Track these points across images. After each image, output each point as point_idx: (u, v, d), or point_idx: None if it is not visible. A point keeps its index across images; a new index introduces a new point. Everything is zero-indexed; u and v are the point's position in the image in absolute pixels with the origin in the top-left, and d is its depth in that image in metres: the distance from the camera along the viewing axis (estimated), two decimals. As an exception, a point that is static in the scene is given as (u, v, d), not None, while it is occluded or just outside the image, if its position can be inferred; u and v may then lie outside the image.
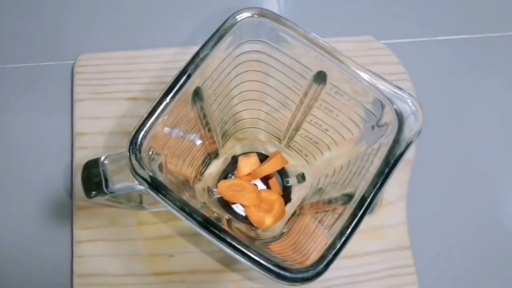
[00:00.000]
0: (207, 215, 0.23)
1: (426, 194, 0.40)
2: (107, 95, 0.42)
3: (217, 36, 0.27)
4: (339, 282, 0.37)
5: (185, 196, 0.29)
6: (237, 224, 0.35)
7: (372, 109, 0.27)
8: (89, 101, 0.41)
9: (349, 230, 0.23)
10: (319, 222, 0.30)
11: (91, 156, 0.28)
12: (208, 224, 0.23)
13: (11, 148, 0.41)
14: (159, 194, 0.24)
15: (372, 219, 0.38)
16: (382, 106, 0.27)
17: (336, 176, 0.32)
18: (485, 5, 0.48)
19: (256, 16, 0.27)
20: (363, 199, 0.24)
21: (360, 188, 0.25)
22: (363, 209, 0.24)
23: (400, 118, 0.26)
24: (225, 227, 0.24)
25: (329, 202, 0.30)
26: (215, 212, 0.34)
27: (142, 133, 0.25)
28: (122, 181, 0.27)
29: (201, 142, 0.33)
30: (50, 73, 0.43)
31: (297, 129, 0.34)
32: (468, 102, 0.44)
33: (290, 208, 0.36)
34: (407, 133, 0.25)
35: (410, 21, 0.47)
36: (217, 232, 0.23)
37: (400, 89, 0.26)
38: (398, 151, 0.25)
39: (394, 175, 0.25)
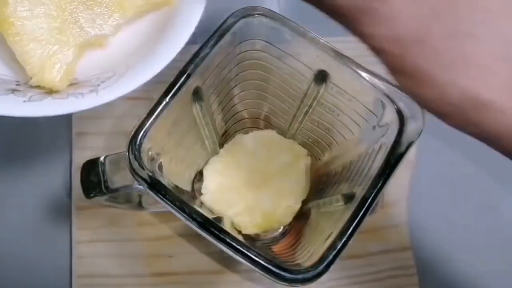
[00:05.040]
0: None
1: (427, 194, 0.40)
2: (107, 95, 0.41)
3: (217, 36, 0.27)
4: (339, 283, 0.37)
5: (185, 196, 0.29)
6: (237, 225, 0.35)
7: (373, 109, 0.27)
8: (89, 101, 0.41)
9: (349, 231, 0.23)
10: (319, 222, 0.30)
11: (90, 156, 0.28)
12: (208, 225, 0.23)
13: (10, 148, 0.41)
14: (159, 194, 0.24)
15: (372, 220, 0.38)
16: (383, 106, 0.26)
17: (336, 176, 0.32)
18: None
19: (256, 15, 0.27)
20: (364, 200, 0.24)
21: (361, 188, 0.25)
22: (364, 209, 0.24)
23: (401, 118, 0.26)
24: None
25: (330, 202, 0.30)
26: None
27: (142, 133, 0.25)
28: (121, 181, 0.26)
29: (201, 142, 0.33)
30: (50, 73, 0.43)
31: (297, 129, 0.34)
32: (469, 102, 0.44)
33: (290, 208, 0.36)
34: (408, 133, 0.25)
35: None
36: (216, 232, 0.23)
37: (401, 89, 0.26)
38: (399, 151, 0.25)
39: (395, 175, 0.25)
